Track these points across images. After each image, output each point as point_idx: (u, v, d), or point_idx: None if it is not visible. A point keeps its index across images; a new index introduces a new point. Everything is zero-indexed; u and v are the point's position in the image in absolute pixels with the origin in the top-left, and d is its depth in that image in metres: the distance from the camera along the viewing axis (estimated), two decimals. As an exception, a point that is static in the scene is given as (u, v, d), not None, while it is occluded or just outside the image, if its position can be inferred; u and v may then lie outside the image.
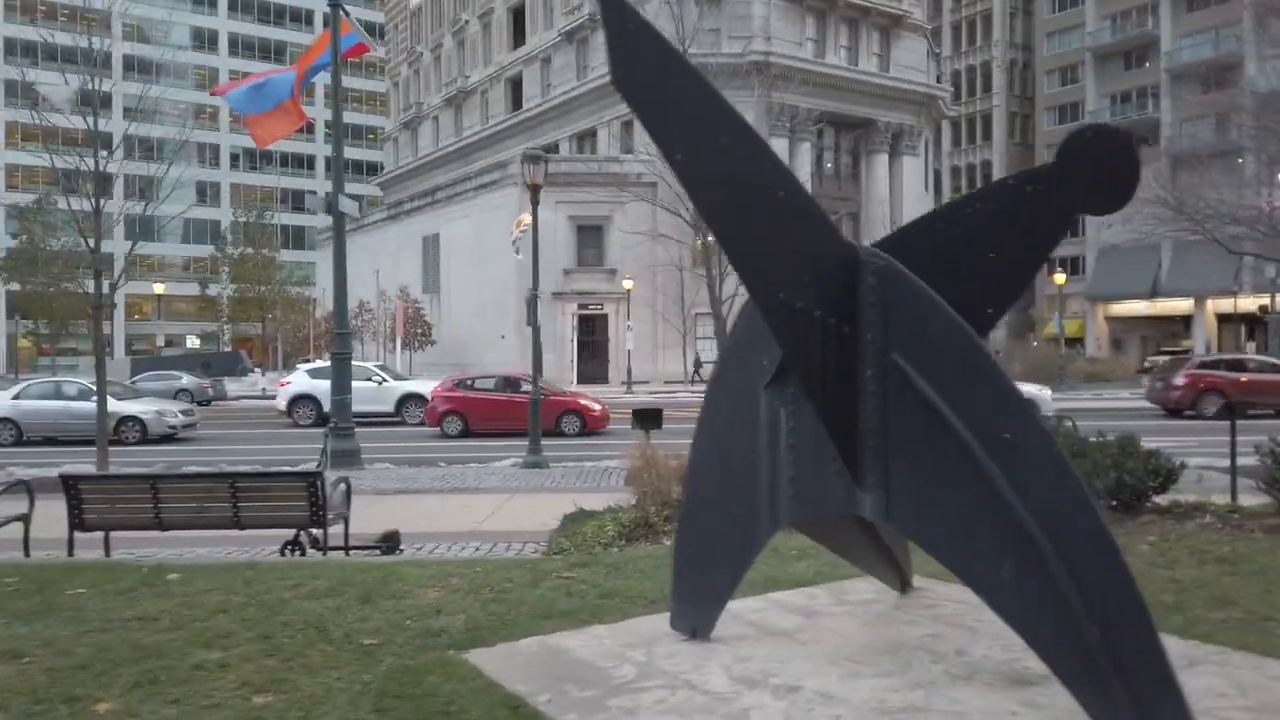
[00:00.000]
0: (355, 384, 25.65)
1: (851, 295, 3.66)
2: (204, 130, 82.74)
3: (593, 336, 44.18)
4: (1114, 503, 8.03)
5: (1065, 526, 3.14)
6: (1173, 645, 4.40)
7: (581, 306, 43.78)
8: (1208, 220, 19.05)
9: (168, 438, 23.18)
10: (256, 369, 57.01)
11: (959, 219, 3.89)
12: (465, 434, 22.73)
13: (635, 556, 6.54)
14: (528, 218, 25.16)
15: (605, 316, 44.01)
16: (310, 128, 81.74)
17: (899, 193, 50.55)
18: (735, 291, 29.42)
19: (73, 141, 15.46)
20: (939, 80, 59.66)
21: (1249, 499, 8.56)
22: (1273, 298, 37.77)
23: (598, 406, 23.58)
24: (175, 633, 4.65)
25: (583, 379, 41.35)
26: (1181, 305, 56.66)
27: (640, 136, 37.83)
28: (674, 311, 41.07)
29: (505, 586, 5.57)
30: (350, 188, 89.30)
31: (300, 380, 27.55)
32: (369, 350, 50.87)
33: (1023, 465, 3.23)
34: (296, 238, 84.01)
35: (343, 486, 8.76)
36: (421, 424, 25.67)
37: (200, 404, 36.19)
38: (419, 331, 46.96)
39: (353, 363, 30.63)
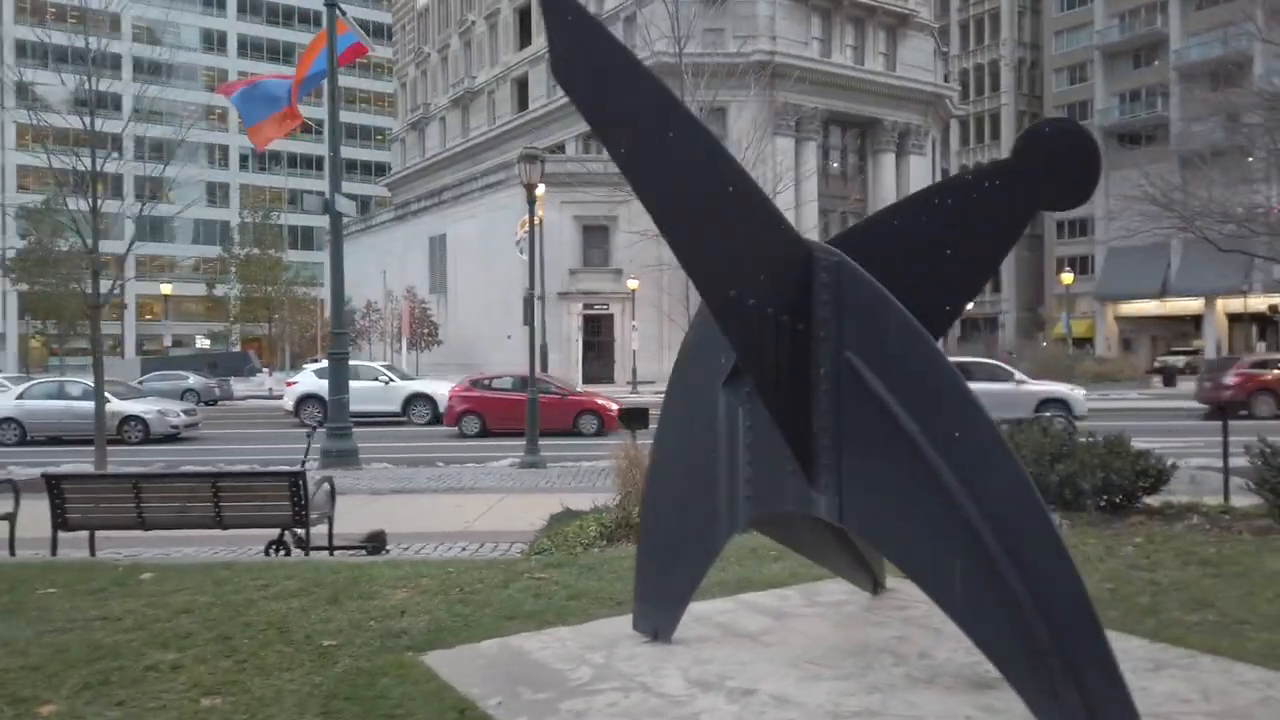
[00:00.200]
0: (362, 384, 25.93)
1: (805, 292, 3.60)
2: (214, 131, 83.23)
3: (598, 336, 44.15)
4: (1102, 503, 7.94)
5: (1013, 527, 3.08)
6: (1140, 648, 4.34)
7: (587, 306, 43.74)
8: (1198, 218, 18.85)
9: (170, 437, 23.27)
10: (264, 369, 57.23)
11: (915, 216, 3.83)
12: (483, 434, 22.77)
13: (612, 557, 6.49)
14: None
15: (610, 316, 43.97)
16: (319, 128, 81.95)
17: (906, 192, 50.08)
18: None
19: (80, 142, 15.50)
20: (946, 79, 59.45)
21: (1243, 500, 8.47)
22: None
23: (615, 406, 23.56)
24: (135, 633, 4.63)
25: (588, 379, 41.29)
26: (1191, 305, 56.27)
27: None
28: (679, 311, 40.89)
29: (475, 588, 5.53)
30: (359, 188, 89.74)
31: (307, 380, 27.61)
32: (376, 350, 50.99)
33: (972, 465, 3.17)
34: (305, 238, 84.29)
35: (326, 486, 8.74)
36: (428, 423, 25.82)
37: (207, 404, 36.35)
38: (425, 331, 47.05)
39: (360, 363, 30.93)
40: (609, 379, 42.45)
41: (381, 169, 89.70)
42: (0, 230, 60.11)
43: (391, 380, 27.69)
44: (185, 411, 24.63)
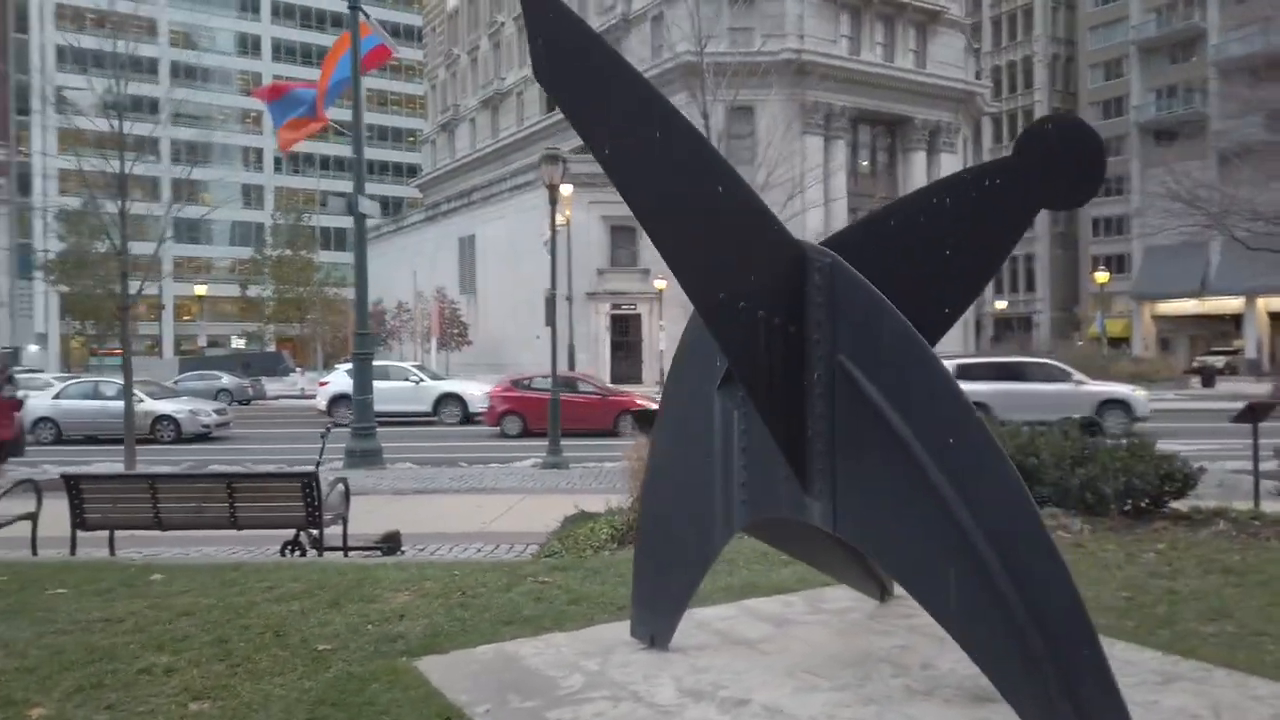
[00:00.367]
0: (393, 384, 26.26)
1: (798, 295, 3.52)
2: (249, 135, 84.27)
3: (626, 336, 44.18)
4: (1126, 507, 7.75)
5: (1008, 533, 2.99)
6: (1153, 660, 4.21)
7: (615, 307, 43.79)
8: (1227, 216, 18.37)
9: (202, 436, 23.58)
10: (297, 369, 57.82)
11: (913, 215, 3.73)
12: (524, 433, 22.86)
13: (620, 560, 6.42)
14: (562, 219, 25.34)
15: (639, 316, 43.97)
16: (349, 131, 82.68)
17: (937, 191, 49.80)
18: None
19: (112, 146, 15.75)
20: (978, 76, 58.76)
21: (1273, 505, 8.24)
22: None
23: (655, 407, 23.55)
24: (134, 635, 4.63)
25: (616, 379, 41.29)
26: (1231, 304, 55.11)
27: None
28: (707, 311, 40.85)
29: (478, 591, 5.49)
30: (390, 190, 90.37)
31: (339, 380, 27.84)
32: (406, 350, 51.33)
33: (966, 470, 3.08)
34: (338, 239, 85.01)
35: (340, 487, 8.76)
36: (458, 423, 26.09)
37: (240, 403, 36.81)
38: (455, 332, 47.31)
39: (390, 363, 31.22)
40: (637, 379, 42.44)
41: (413, 170, 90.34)
42: (41, 232, 61.20)
43: (422, 380, 27.94)
44: (217, 411, 24.94)
